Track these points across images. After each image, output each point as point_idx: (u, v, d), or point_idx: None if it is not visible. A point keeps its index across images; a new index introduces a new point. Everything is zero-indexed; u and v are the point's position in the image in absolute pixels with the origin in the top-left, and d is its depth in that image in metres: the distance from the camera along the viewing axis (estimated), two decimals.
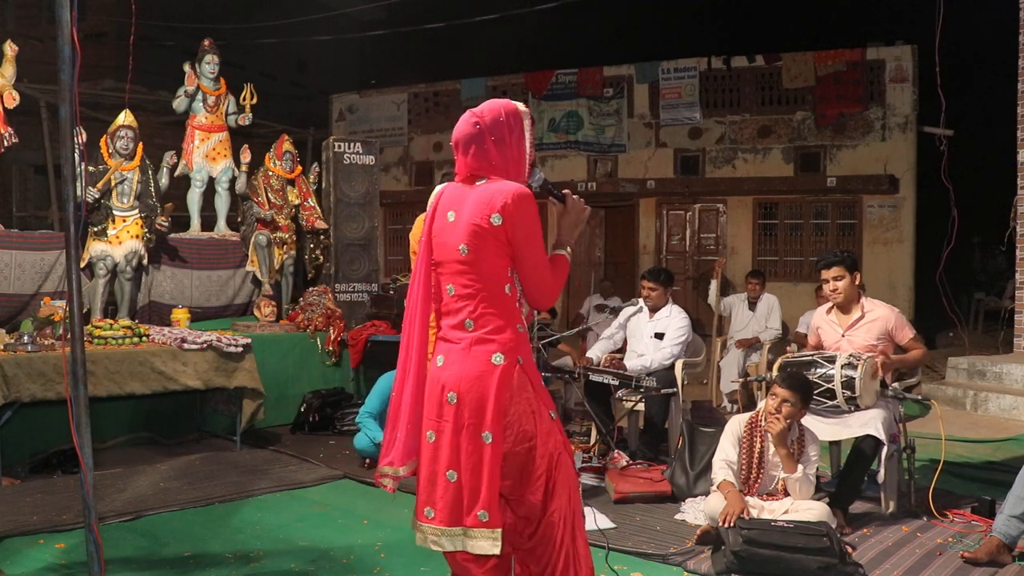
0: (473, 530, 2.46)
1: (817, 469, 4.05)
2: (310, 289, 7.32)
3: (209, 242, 7.47)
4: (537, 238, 2.52)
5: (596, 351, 5.73)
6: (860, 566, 3.56)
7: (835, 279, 4.56)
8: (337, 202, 7.75)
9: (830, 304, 4.73)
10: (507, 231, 2.46)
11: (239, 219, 7.50)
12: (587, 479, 4.88)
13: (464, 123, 2.58)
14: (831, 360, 4.33)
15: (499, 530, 2.45)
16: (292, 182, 7.48)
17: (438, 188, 2.68)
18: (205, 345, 5.50)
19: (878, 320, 4.54)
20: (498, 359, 2.48)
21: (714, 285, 8.32)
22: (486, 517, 2.45)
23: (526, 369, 2.54)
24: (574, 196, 2.67)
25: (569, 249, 2.65)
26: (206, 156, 7.55)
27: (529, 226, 2.49)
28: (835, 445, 4.90)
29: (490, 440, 2.46)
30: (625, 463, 5.00)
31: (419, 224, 4.27)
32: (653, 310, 5.72)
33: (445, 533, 2.50)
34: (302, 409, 6.40)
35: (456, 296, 2.55)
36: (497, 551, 2.46)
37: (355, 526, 4.23)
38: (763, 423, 4.00)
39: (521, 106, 2.62)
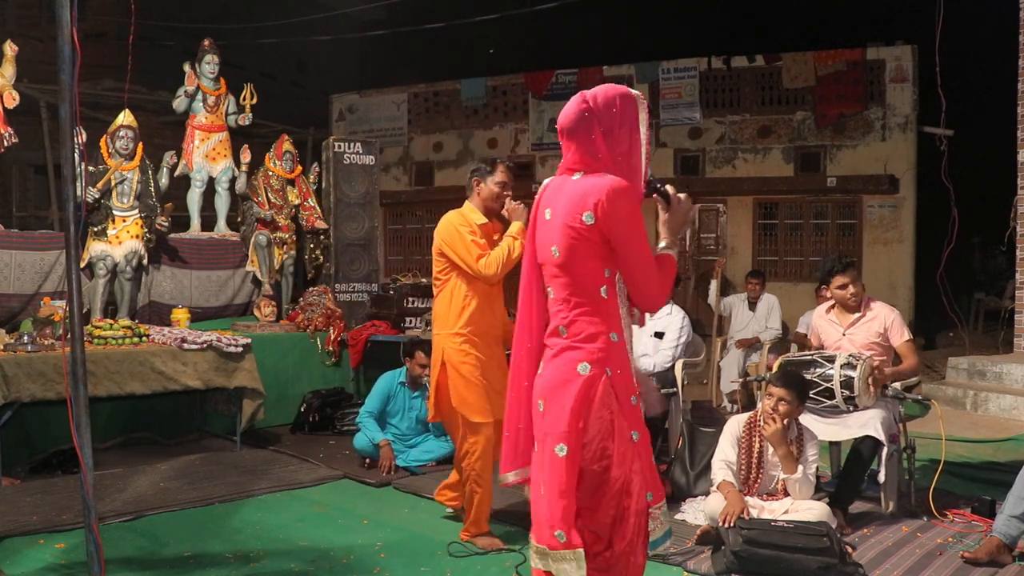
0: (554, 552, 2.29)
1: (817, 469, 4.05)
2: (310, 289, 7.32)
3: (209, 242, 7.47)
4: (639, 234, 2.32)
5: None
6: (860, 566, 3.56)
7: (852, 283, 4.56)
8: (337, 202, 7.75)
9: (829, 303, 4.74)
10: (602, 230, 2.28)
11: (239, 219, 7.50)
12: None
13: (572, 108, 2.37)
14: (830, 360, 4.33)
15: (581, 550, 2.27)
16: (292, 182, 7.48)
17: (545, 182, 2.50)
18: (205, 345, 5.50)
19: (878, 318, 4.55)
20: (584, 369, 2.32)
21: (714, 285, 8.31)
22: (563, 537, 2.28)
23: (614, 382, 2.35)
24: (679, 195, 2.46)
25: (675, 250, 2.44)
26: (206, 156, 7.55)
27: (628, 223, 2.29)
28: (835, 445, 4.90)
29: (564, 453, 2.30)
30: None
31: (444, 222, 3.98)
32: None
33: (537, 550, 2.34)
34: (302, 409, 6.40)
35: (554, 300, 2.41)
36: (583, 574, 2.27)
37: (355, 526, 4.23)
38: (760, 423, 4.00)
39: (636, 93, 2.41)
